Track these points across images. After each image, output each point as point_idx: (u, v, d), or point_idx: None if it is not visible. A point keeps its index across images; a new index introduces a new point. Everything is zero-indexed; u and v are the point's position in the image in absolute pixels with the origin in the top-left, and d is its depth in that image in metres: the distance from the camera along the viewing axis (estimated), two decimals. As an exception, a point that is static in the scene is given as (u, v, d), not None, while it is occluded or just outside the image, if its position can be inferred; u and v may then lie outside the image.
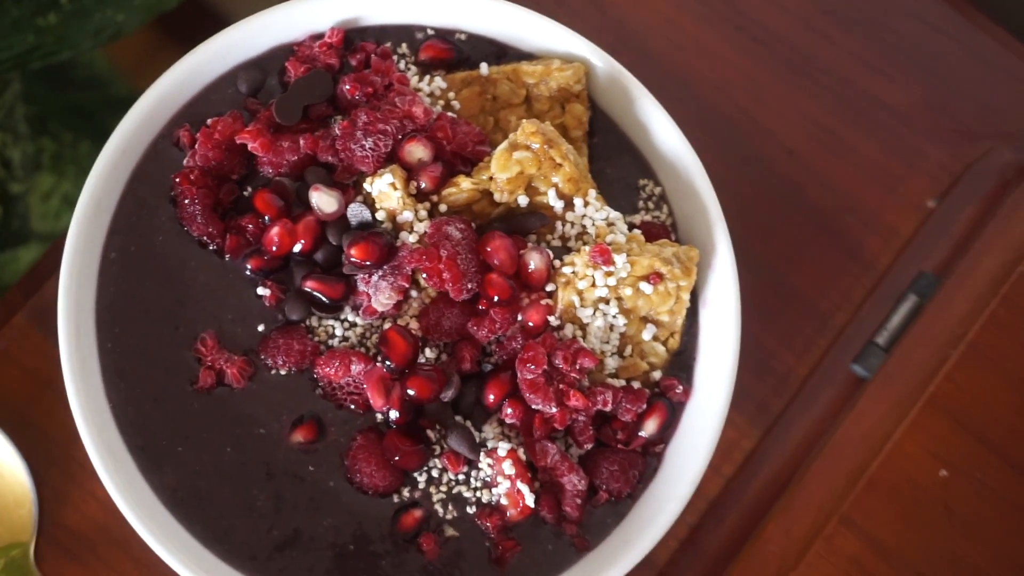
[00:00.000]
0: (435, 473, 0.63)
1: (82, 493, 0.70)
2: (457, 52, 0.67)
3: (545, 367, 0.62)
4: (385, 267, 0.62)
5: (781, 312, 0.75)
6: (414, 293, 0.64)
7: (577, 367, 0.62)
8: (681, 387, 0.65)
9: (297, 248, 0.63)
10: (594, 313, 0.63)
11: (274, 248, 0.63)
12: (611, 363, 0.64)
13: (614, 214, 0.64)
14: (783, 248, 0.76)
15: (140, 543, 0.68)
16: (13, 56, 0.84)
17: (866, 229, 0.76)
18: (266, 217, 0.64)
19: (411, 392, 0.62)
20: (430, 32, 0.68)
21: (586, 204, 0.64)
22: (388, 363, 0.62)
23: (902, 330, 0.73)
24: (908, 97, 0.78)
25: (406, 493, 0.63)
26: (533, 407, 0.62)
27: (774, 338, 0.75)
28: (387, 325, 0.64)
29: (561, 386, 0.62)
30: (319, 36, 0.67)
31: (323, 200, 0.63)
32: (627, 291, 0.63)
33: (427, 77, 0.67)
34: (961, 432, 0.71)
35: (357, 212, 0.63)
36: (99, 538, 0.69)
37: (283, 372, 0.63)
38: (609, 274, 0.62)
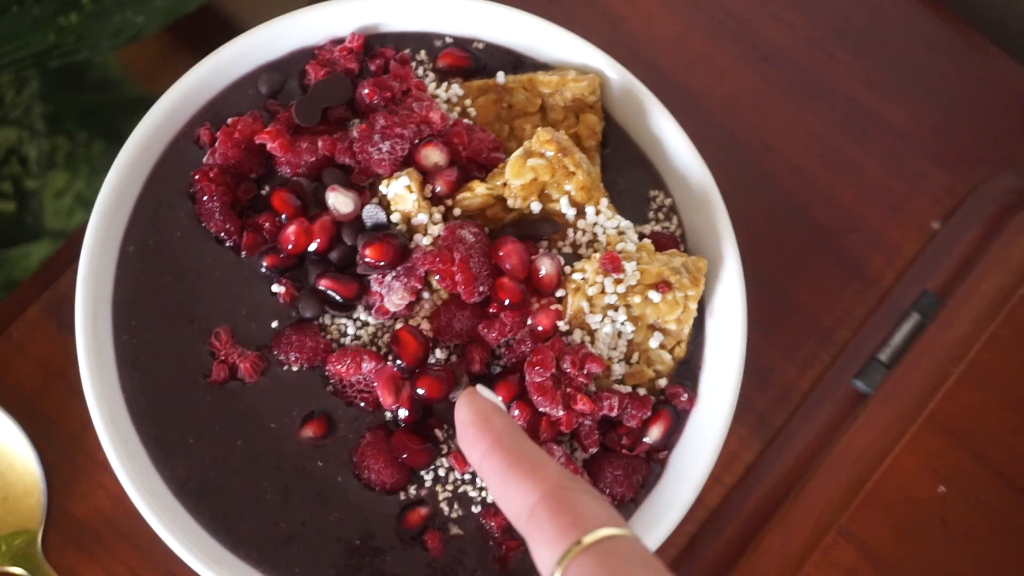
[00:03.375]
0: (442, 472, 0.64)
1: (91, 484, 0.70)
2: (475, 60, 0.69)
3: (553, 371, 0.63)
4: (399, 268, 0.63)
5: (784, 326, 0.76)
6: (426, 295, 0.65)
7: (585, 372, 0.63)
8: (686, 395, 0.66)
9: (312, 247, 0.64)
10: (603, 319, 0.64)
11: (290, 246, 0.64)
12: (618, 369, 0.65)
13: (625, 223, 0.65)
14: (787, 264, 0.77)
15: (146, 535, 0.69)
16: (33, 54, 0.85)
17: (870, 247, 0.78)
18: (283, 216, 0.65)
19: (421, 391, 0.63)
20: (449, 40, 0.69)
21: (598, 212, 0.65)
22: (399, 362, 0.63)
23: (904, 347, 0.74)
24: (913, 119, 0.80)
25: (413, 491, 0.64)
26: (540, 410, 0.63)
27: (777, 352, 0.76)
28: (399, 325, 0.65)
29: (568, 390, 0.63)
30: (340, 41, 0.68)
31: (339, 201, 0.64)
32: (636, 299, 0.64)
33: (444, 84, 0.68)
34: (960, 449, 0.72)
35: (372, 213, 0.64)
36: (106, 529, 0.70)
37: (295, 368, 0.64)
38: (619, 281, 0.63)
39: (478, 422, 0.55)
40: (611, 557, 0.49)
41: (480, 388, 0.58)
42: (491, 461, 0.54)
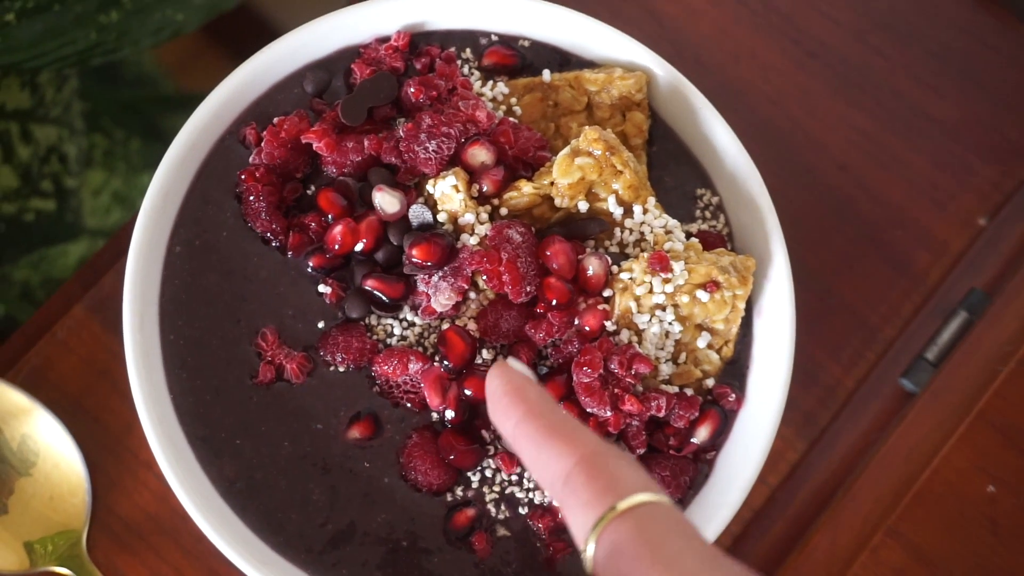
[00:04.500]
0: (488, 473, 0.64)
1: (135, 483, 0.71)
2: (520, 58, 0.68)
3: (601, 371, 0.62)
4: (445, 268, 0.63)
5: (830, 324, 0.76)
6: (473, 295, 0.64)
7: (632, 372, 0.62)
8: (734, 395, 0.65)
9: (359, 247, 0.64)
10: (650, 319, 0.64)
11: (336, 246, 0.64)
12: (665, 369, 0.64)
13: (672, 222, 0.65)
14: (833, 261, 0.76)
15: (191, 534, 0.69)
16: (76, 52, 0.85)
17: (916, 244, 0.77)
18: (329, 216, 0.65)
19: (468, 392, 0.63)
20: (494, 38, 0.69)
21: (645, 211, 0.65)
22: (446, 363, 0.63)
23: (952, 345, 0.74)
24: (959, 113, 0.79)
25: (459, 492, 0.64)
26: (588, 410, 0.63)
27: (822, 350, 0.75)
28: (445, 325, 0.64)
29: (616, 390, 0.62)
30: (385, 39, 0.68)
31: (386, 200, 0.64)
32: (684, 298, 0.63)
33: (490, 82, 0.68)
34: (1009, 448, 0.72)
35: (419, 213, 0.64)
36: (150, 528, 0.70)
37: (341, 369, 0.64)
38: (667, 281, 0.63)
39: (511, 392, 0.54)
40: (647, 522, 0.48)
41: (511, 360, 0.57)
42: (525, 428, 0.53)
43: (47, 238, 0.95)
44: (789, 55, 0.79)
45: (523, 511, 0.64)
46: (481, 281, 0.64)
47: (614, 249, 0.65)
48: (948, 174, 0.78)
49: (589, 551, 0.49)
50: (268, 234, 0.65)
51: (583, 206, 0.64)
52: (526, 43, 0.69)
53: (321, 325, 0.65)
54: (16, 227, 0.92)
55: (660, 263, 0.62)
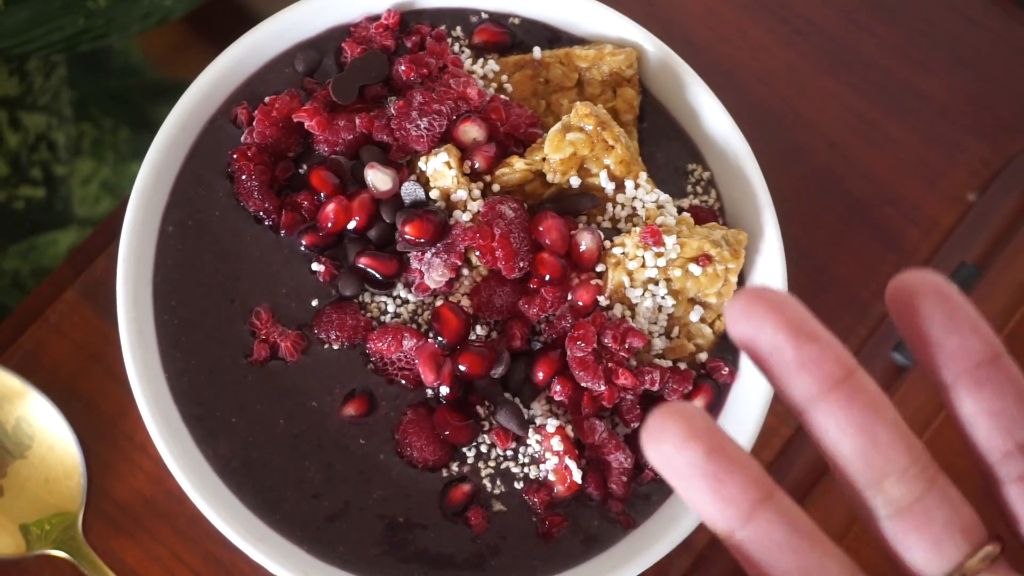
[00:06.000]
0: (484, 449, 0.64)
1: (129, 466, 0.71)
2: (511, 36, 0.68)
3: (595, 346, 0.62)
4: (438, 245, 0.63)
5: (821, 301, 0.76)
6: (466, 271, 0.65)
7: (626, 346, 0.62)
8: (727, 369, 0.65)
9: (351, 225, 0.64)
10: (643, 294, 0.64)
11: (329, 225, 0.64)
12: (659, 343, 0.65)
13: (664, 196, 0.65)
14: (824, 238, 0.77)
15: (186, 516, 0.69)
16: (64, 38, 0.85)
17: (906, 221, 0.77)
18: (321, 194, 0.65)
19: (462, 368, 0.63)
20: (484, 16, 0.69)
21: (637, 186, 0.65)
22: (440, 339, 0.63)
23: (943, 319, 0.74)
24: (948, 91, 0.79)
25: (455, 468, 0.64)
26: (582, 385, 0.63)
27: (814, 327, 0.75)
28: (439, 302, 0.64)
29: (610, 365, 0.63)
30: (375, 18, 0.68)
31: (378, 178, 0.64)
32: (676, 272, 0.63)
33: (480, 60, 0.68)
34: (1001, 420, 0.72)
35: (411, 191, 0.64)
36: (146, 510, 0.70)
37: (336, 347, 0.64)
38: (659, 255, 0.63)
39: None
40: None
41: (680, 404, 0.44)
42: None
43: (36, 226, 0.95)
44: (778, 34, 0.80)
45: (519, 486, 0.64)
46: (474, 257, 0.64)
47: (606, 224, 0.66)
48: (937, 151, 0.78)
49: None
50: (261, 213, 0.65)
51: (575, 182, 0.65)
52: (516, 20, 0.69)
53: (315, 303, 0.65)
54: (5, 215, 0.92)
55: (653, 237, 0.63)
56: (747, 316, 0.43)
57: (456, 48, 0.68)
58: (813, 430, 0.45)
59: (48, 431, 0.70)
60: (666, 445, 0.42)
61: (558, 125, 0.64)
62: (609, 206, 0.65)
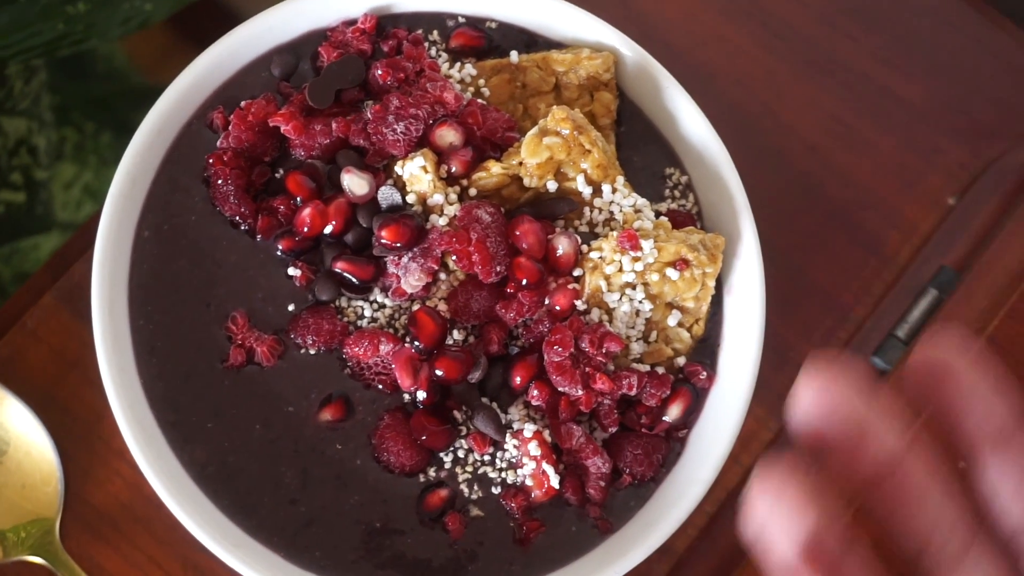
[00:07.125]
0: (461, 454, 0.64)
1: (107, 471, 0.70)
2: (488, 40, 0.68)
3: (572, 350, 0.62)
4: (415, 249, 0.63)
5: (801, 305, 0.76)
6: (443, 275, 0.64)
7: (603, 351, 0.62)
8: (705, 373, 0.65)
9: (328, 229, 0.64)
10: (620, 298, 0.64)
11: (305, 229, 0.64)
12: (636, 348, 0.65)
13: (641, 201, 0.65)
14: (803, 242, 0.77)
15: (164, 521, 0.68)
16: (43, 43, 0.85)
17: (886, 224, 0.77)
18: (298, 199, 0.65)
19: (439, 373, 0.63)
20: (461, 20, 0.69)
21: (614, 191, 0.65)
22: (416, 344, 0.63)
23: (922, 323, 0.74)
24: (927, 95, 0.79)
25: (432, 473, 0.64)
26: (559, 389, 0.63)
27: (794, 331, 0.75)
28: (416, 306, 0.64)
29: (587, 369, 0.62)
30: (352, 22, 0.68)
31: (354, 182, 0.64)
32: (653, 277, 0.63)
33: (458, 64, 0.68)
34: (979, 424, 0.72)
35: (388, 195, 0.64)
36: (123, 516, 0.70)
37: (312, 351, 0.64)
38: (636, 259, 0.63)
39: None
40: None
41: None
42: None
43: (17, 231, 0.95)
44: (757, 38, 0.80)
45: (496, 491, 0.64)
46: (451, 262, 0.64)
47: (583, 228, 0.65)
48: (917, 155, 0.78)
49: None
50: (237, 218, 0.65)
51: (552, 186, 0.64)
52: (493, 24, 0.69)
53: (291, 308, 0.65)
54: (-14, 220, 0.92)
55: (630, 241, 0.62)
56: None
57: (433, 52, 0.68)
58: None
59: (25, 436, 0.69)
60: None
61: (535, 129, 0.64)
62: (586, 210, 0.65)
